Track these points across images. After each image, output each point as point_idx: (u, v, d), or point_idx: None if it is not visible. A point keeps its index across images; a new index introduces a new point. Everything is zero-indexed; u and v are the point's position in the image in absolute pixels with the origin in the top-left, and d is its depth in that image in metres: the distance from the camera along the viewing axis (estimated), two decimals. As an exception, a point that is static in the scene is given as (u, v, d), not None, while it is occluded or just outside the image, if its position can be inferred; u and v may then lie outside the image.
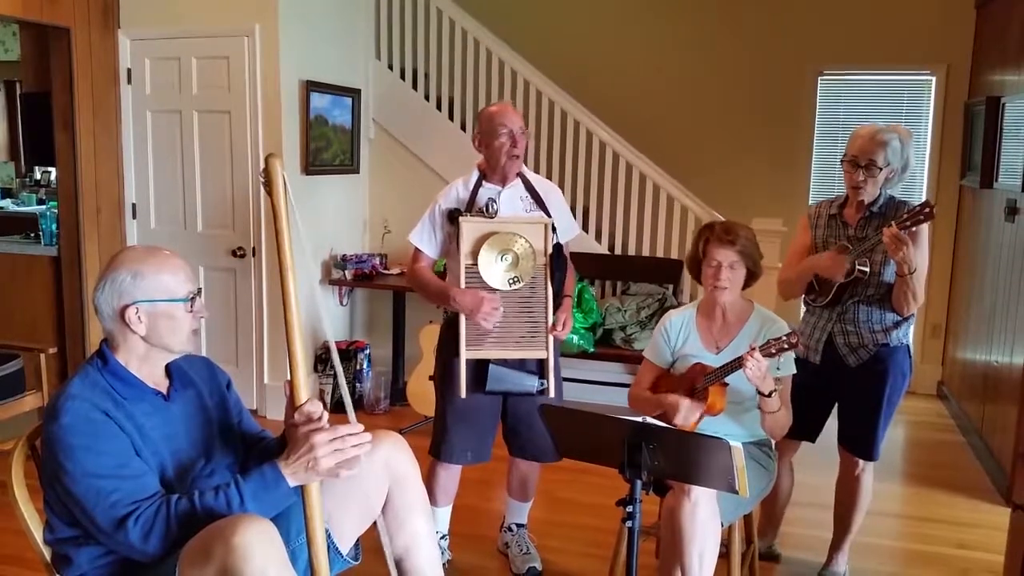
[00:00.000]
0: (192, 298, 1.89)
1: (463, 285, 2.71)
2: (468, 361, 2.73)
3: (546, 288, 2.76)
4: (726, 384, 2.47)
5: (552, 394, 2.77)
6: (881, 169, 2.69)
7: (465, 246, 2.71)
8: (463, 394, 2.73)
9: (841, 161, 2.80)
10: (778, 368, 2.48)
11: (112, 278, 1.84)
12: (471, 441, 2.85)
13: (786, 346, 2.36)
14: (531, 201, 2.85)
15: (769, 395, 2.41)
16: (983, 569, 3.14)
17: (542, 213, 2.84)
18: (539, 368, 2.79)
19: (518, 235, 2.70)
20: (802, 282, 2.88)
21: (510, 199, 2.82)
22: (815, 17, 5.43)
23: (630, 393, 2.74)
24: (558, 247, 2.77)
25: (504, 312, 2.71)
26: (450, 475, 2.91)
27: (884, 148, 2.69)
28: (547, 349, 2.76)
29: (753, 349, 2.35)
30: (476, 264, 2.70)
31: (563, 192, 4.98)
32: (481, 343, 2.73)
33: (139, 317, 1.84)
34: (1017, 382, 3.80)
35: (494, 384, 2.73)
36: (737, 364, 2.38)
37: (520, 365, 2.78)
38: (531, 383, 2.77)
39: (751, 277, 2.61)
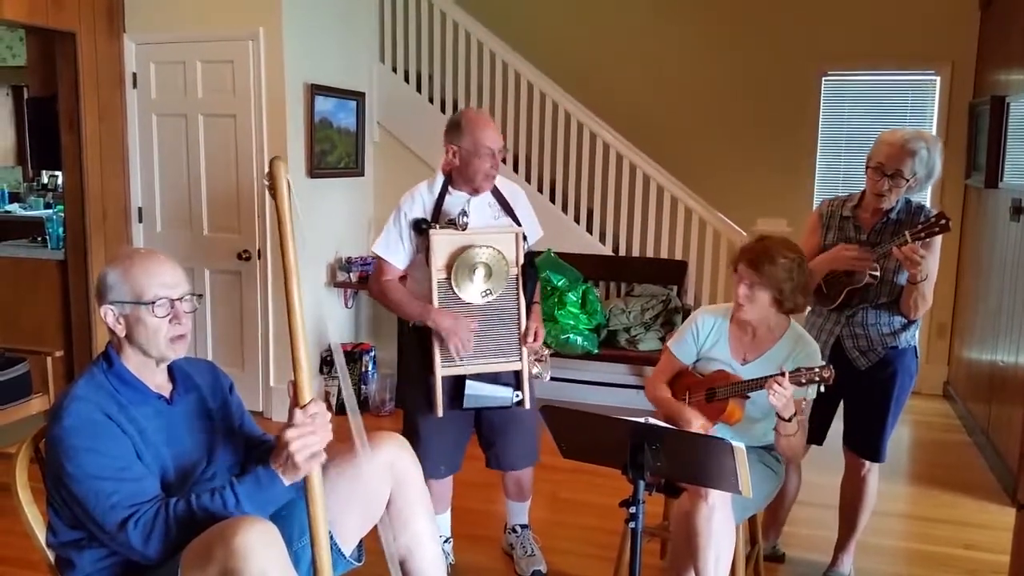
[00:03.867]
0: (157, 303, 1.82)
1: (436, 299, 2.65)
2: (444, 378, 2.68)
3: (518, 299, 2.73)
4: (747, 396, 2.43)
5: (528, 406, 2.75)
6: (907, 180, 2.62)
7: (437, 260, 2.64)
8: (440, 413, 2.68)
9: (866, 167, 2.70)
10: (805, 394, 2.41)
11: (100, 277, 1.86)
12: (445, 455, 2.82)
13: (816, 379, 2.28)
14: (499, 208, 2.81)
15: (789, 420, 2.34)
16: (990, 570, 3.13)
17: (510, 220, 2.80)
18: (515, 379, 2.76)
19: (490, 247, 2.65)
20: (812, 282, 2.85)
21: (478, 206, 2.75)
22: (819, 18, 5.43)
23: (648, 383, 2.72)
24: (529, 256, 2.74)
25: (478, 325, 2.67)
26: (440, 483, 2.87)
27: (912, 158, 2.60)
28: (522, 360, 2.74)
29: (782, 374, 2.26)
30: (449, 278, 2.65)
31: (567, 195, 5.08)
32: (456, 359, 2.67)
33: (117, 319, 1.85)
34: (1023, 382, 3.79)
35: (471, 401, 2.69)
36: (761, 384, 2.32)
37: (494, 378, 2.74)
38: (506, 395, 2.73)
39: (780, 305, 2.50)
